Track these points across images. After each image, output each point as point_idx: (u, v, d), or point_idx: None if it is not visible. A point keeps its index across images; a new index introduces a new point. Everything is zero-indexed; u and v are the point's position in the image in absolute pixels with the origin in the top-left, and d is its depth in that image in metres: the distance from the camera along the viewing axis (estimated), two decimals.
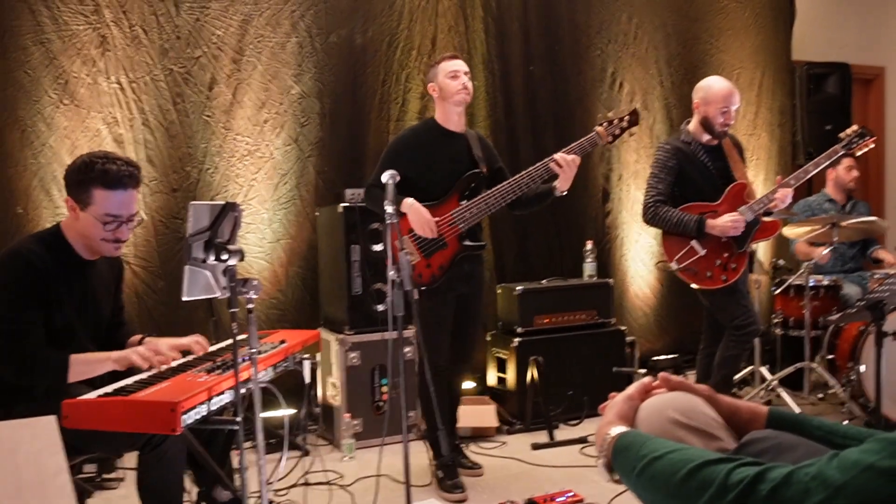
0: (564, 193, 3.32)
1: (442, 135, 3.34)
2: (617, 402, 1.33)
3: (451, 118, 3.35)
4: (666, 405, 1.28)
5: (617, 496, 3.06)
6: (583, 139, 3.29)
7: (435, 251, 3.24)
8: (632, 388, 1.35)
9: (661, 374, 1.38)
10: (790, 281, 4.63)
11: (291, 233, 4.33)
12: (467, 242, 3.29)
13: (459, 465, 3.45)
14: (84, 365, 2.29)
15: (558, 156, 3.23)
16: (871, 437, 0.92)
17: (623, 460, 1.17)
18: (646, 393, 1.35)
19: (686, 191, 3.70)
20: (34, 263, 2.28)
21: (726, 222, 3.56)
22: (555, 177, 3.28)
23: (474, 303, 3.44)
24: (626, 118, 3.31)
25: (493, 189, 3.26)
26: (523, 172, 3.27)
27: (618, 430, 1.22)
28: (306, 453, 3.69)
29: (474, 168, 3.32)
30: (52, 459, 1.29)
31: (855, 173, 4.93)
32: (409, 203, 3.17)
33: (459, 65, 3.32)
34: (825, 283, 4.59)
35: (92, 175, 2.29)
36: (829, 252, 4.40)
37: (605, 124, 3.32)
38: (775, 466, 0.96)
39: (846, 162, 4.92)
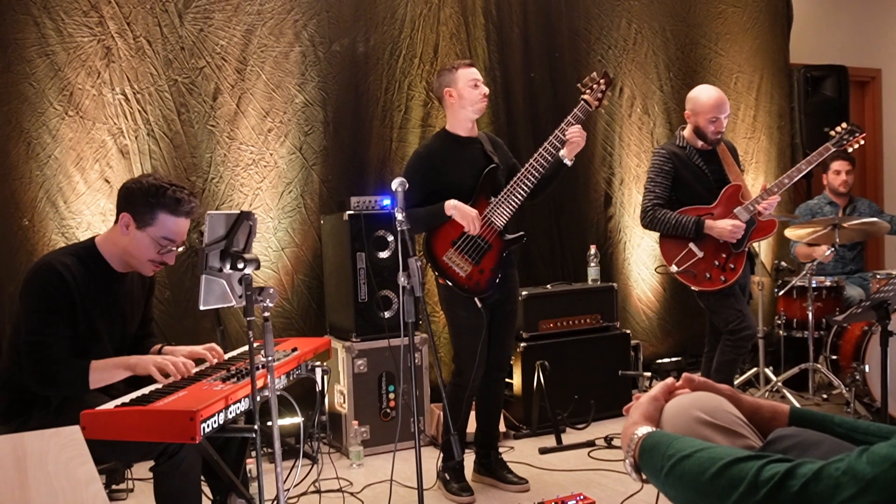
0: (572, 162, 3.33)
1: (456, 143, 3.35)
2: (642, 402, 1.34)
3: (465, 125, 3.36)
4: (691, 405, 1.30)
5: (627, 499, 3.07)
6: (575, 109, 3.30)
7: (483, 255, 3.26)
8: (656, 389, 1.37)
9: (685, 375, 1.39)
10: (793, 283, 4.66)
11: (296, 241, 4.35)
12: (507, 237, 3.31)
13: (504, 480, 3.42)
14: (102, 371, 2.31)
15: (573, 129, 3.27)
16: None
17: (650, 460, 1.18)
18: (669, 393, 1.37)
19: (682, 194, 3.73)
20: (63, 275, 2.30)
21: (725, 227, 3.57)
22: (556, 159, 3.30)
23: (508, 307, 3.43)
24: (601, 80, 3.32)
25: (514, 179, 3.27)
26: (534, 155, 3.27)
27: (644, 430, 1.23)
28: (315, 461, 3.69)
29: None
30: (83, 469, 1.29)
31: (843, 177, 4.92)
32: (453, 204, 3.19)
33: (478, 73, 3.35)
34: (827, 284, 4.62)
35: (164, 200, 2.36)
36: (832, 252, 4.43)
37: (587, 91, 3.32)
38: (805, 462, 0.97)
39: (834, 166, 4.93)
